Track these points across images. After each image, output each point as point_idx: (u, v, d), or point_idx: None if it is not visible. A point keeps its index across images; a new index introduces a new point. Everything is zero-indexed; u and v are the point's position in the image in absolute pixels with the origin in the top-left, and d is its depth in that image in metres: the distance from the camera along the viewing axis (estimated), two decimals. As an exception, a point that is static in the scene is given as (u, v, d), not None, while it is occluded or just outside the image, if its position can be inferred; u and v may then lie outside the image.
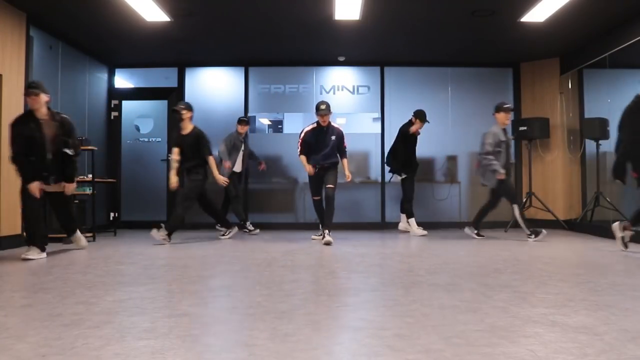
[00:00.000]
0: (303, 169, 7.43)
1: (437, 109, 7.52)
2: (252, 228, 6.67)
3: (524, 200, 7.17)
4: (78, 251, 4.81)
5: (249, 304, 2.55)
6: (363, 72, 7.65)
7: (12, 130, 4.27)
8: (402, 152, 6.33)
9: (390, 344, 1.88)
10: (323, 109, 5.41)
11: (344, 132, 5.61)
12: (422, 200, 7.22)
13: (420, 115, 6.30)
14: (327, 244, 5.23)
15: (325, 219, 5.47)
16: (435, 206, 7.45)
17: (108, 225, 7.08)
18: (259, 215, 7.38)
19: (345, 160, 5.63)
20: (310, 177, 5.61)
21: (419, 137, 6.48)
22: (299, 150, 5.58)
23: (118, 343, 1.90)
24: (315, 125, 5.52)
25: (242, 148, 6.65)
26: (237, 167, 6.60)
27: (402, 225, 6.65)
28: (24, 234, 4.79)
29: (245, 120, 6.82)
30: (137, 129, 7.70)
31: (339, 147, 5.56)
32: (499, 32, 6.13)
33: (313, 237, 5.75)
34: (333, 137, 5.50)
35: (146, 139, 7.69)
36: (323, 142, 5.48)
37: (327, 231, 5.38)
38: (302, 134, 5.57)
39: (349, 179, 5.61)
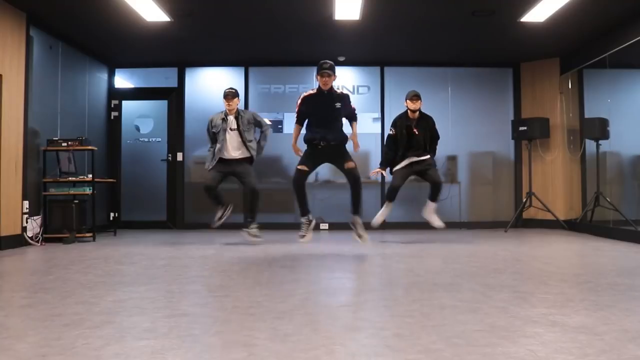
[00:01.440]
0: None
1: (437, 109, 7.49)
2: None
3: (524, 200, 7.18)
4: (78, 251, 4.80)
5: (249, 304, 2.55)
6: (363, 72, 7.65)
7: None
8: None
9: (390, 344, 1.88)
10: (326, 68, 4.36)
11: (349, 96, 4.65)
12: (421, 200, 7.21)
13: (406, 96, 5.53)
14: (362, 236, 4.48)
15: (352, 204, 4.53)
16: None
17: (108, 225, 7.08)
18: (259, 215, 7.36)
19: (354, 125, 4.63)
20: (306, 150, 4.56)
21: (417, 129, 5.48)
22: (295, 119, 4.62)
23: (118, 343, 1.90)
24: (315, 90, 4.53)
25: (229, 127, 5.38)
26: (224, 153, 5.40)
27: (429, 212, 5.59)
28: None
29: (232, 91, 5.44)
30: (137, 129, 7.71)
31: (348, 113, 4.55)
32: (499, 32, 6.13)
33: (300, 235, 4.61)
34: (338, 105, 4.43)
35: (146, 139, 7.70)
36: (325, 112, 4.43)
37: (358, 218, 4.53)
38: (299, 101, 4.57)
39: (357, 149, 4.63)
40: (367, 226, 4.86)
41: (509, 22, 5.74)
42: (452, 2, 5.24)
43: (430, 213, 5.51)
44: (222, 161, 5.41)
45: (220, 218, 5.48)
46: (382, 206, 7.40)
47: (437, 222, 5.48)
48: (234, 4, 5.31)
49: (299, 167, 4.50)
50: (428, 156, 5.48)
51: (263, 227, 7.04)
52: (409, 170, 5.49)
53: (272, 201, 7.58)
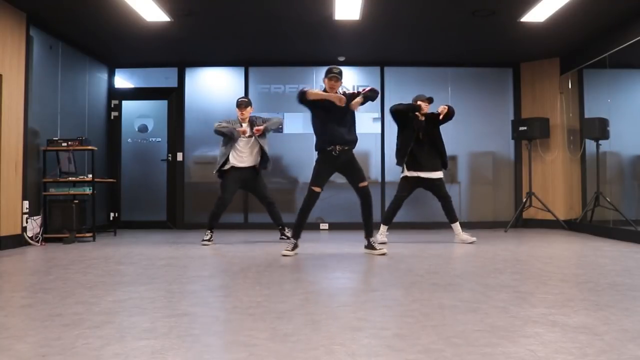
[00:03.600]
0: (303, 168, 7.55)
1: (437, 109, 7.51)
2: (207, 239, 5.36)
3: (524, 200, 7.18)
4: (78, 251, 4.80)
5: (249, 304, 2.55)
6: (363, 72, 7.65)
7: None
8: (399, 140, 5.44)
9: (390, 344, 1.88)
10: (336, 73, 4.33)
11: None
12: (422, 200, 7.21)
13: (417, 97, 5.42)
14: (383, 254, 4.43)
15: (365, 224, 4.52)
16: (435, 206, 7.41)
17: (108, 225, 7.08)
18: (259, 215, 7.37)
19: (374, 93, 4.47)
20: (322, 163, 4.43)
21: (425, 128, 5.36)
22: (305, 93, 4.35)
23: (118, 343, 1.90)
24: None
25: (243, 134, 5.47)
26: (237, 161, 5.42)
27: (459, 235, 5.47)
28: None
29: (245, 100, 5.56)
30: (146, 128, 7.70)
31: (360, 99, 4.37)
32: (499, 32, 6.13)
33: (284, 252, 4.42)
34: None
35: (146, 139, 7.70)
36: (336, 114, 4.33)
37: (372, 239, 4.56)
38: (302, 94, 4.39)
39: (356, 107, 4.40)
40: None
41: (509, 22, 5.74)
42: (452, 2, 5.24)
43: (458, 233, 5.45)
44: (235, 169, 5.43)
45: (205, 241, 5.36)
46: (382, 206, 7.44)
47: (463, 237, 5.40)
48: (234, 4, 5.31)
49: (314, 188, 4.40)
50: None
51: (264, 227, 7.06)
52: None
53: (274, 201, 7.57)
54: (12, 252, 4.72)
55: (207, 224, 5.45)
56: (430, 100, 5.39)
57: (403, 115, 5.32)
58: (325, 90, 4.38)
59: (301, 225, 4.47)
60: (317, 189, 4.41)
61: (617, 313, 2.32)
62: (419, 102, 5.35)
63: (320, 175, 4.44)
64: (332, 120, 4.35)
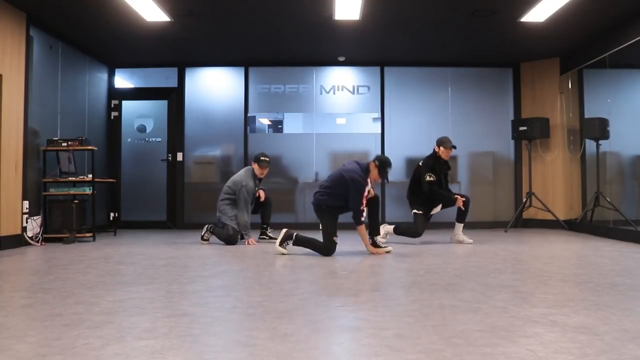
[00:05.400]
0: (303, 169, 7.56)
1: (437, 109, 7.52)
2: (206, 237, 5.52)
3: (524, 200, 7.18)
4: (78, 251, 4.81)
5: (249, 304, 2.55)
6: (363, 72, 7.65)
7: None
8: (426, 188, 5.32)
9: (390, 344, 1.88)
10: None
11: (353, 180, 4.43)
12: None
13: (442, 142, 5.40)
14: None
15: (372, 224, 4.67)
16: (435, 206, 7.45)
17: (108, 225, 7.08)
18: (258, 216, 7.36)
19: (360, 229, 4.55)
20: (330, 214, 4.49)
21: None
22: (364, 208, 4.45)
23: (118, 343, 1.90)
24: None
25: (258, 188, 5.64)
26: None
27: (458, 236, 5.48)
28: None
29: (267, 160, 5.54)
30: (144, 128, 7.70)
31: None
32: (499, 32, 6.13)
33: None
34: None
35: (146, 139, 7.70)
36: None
37: (377, 238, 4.70)
38: (365, 184, 4.43)
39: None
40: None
41: (509, 22, 5.74)
42: (452, 2, 5.24)
43: (457, 234, 5.48)
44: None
45: (205, 234, 5.53)
46: (382, 206, 7.43)
47: (460, 238, 5.45)
48: (234, 4, 5.31)
49: (335, 238, 4.42)
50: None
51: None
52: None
53: (272, 201, 7.56)
54: (12, 252, 4.72)
55: (209, 228, 5.55)
56: (453, 147, 5.40)
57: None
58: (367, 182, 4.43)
59: (304, 245, 4.57)
60: (336, 239, 4.45)
61: (617, 313, 2.32)
62: (441, 148, 5.37)
63: (334, 224, 4.48)
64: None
